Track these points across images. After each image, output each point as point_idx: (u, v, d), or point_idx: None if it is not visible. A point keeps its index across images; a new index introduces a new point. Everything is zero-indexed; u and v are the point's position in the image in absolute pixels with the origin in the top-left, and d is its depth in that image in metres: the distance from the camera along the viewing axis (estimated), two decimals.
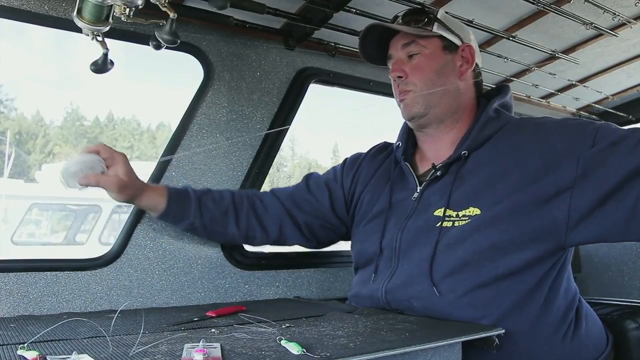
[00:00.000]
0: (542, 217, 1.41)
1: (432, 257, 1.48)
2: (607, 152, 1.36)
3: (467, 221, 1.47)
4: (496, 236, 1.43)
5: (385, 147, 1.93)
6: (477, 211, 1.47)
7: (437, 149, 1.69)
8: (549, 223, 1.41)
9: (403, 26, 1.65)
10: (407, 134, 1.78)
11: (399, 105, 1.69)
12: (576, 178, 1.37)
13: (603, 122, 1.48)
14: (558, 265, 1.48)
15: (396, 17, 1.71)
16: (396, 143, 1.80)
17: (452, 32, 1.66)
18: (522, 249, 1.43)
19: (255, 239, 1.90)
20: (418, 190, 1.64)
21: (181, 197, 1.77)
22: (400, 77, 1.64)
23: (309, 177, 1.98)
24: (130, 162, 1.67)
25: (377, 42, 1.72)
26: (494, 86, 1.86)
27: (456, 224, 1.49)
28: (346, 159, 1.99)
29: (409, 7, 1.75)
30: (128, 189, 1.64)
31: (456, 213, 1.50)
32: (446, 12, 1.70)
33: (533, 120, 1.60)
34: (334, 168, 1.99)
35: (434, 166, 1.63)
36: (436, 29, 1.64)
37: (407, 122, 1.73)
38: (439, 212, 1.53)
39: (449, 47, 1.66)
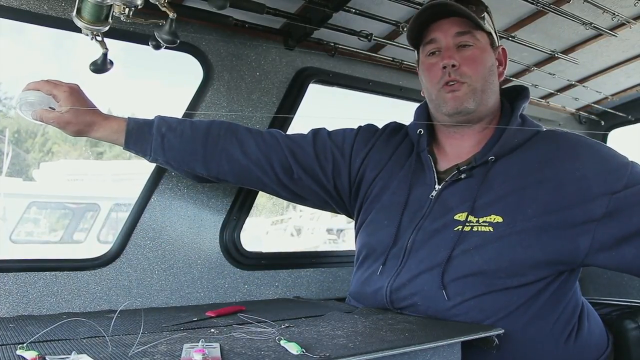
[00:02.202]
0: (566, 241, 1.42)
1: (447, 260, 1.46)
2: (636, 198, 1.40)
3: (488, 228, 1.45)
4: (519, 251, 1.42)
5: (399, 128, 1.83)
6: (499, 219, 1.45)
7: (460, 146, 1.64)
8: (571, 248, 1.43)
9: (468, 10, 1.54)
10: (428, 121, 1.71)
11: (443, 96, 1.58)
12: (604, 214, 1.40)
13: (634, 162, 1.48)
14: (565, 274, 1.49)
15: None
16: (417, 130, 1.70)
17: (495, 31, 1.64)
18: (540, 268, 1.43)
19: (227, 181, 1.80)
20: (436, 189, 1.59)
21: (141, 134, 1.67)
22: (454, 65, 1.54)
23: (316, 134, 1.83)
24: (83, 94, 1.62)
25: (418, 26, 1.62)
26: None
27: (475, 229, 1.47)
28: (360, 128, 1.85)
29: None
30: (72, 125, 1.58)
31: (477, 219, 1.48)
32: None
33: (567, 138, 1.56)
34: (343, 134, 1.83)
35: (457, 167, 1.59)
36: (486, 24, 1.59)
37: (445, 115, 1.60)
38: (460, 217, 1.50)
39: (494, 45, 1.63)
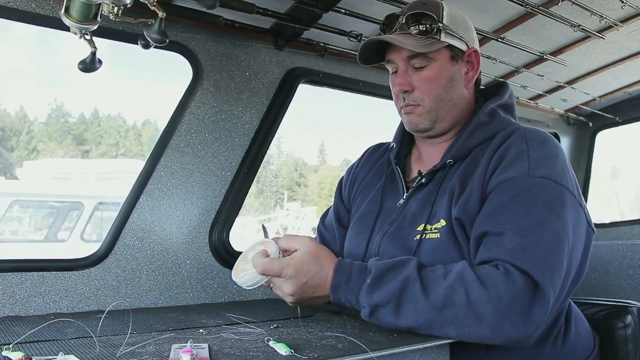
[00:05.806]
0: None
1: None
2: (493, 203, 1.37)
3: (436, 234, 1.45)
4: (455, 255, 1.40)
5: (379, 146, 1.88)
6: (443, 223, 1.44)
7: (434, 152, 1.63)
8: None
9: (410, 40, 1.50)
10: (403, 135, 1.73)
11: (402, 116, 1.62)
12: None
13: (548, 180, 1.36)
14: None
15: (395, 17, 1.57)
16: (391, 144, 1.75)
17: (459, 37, 1.55)
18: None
19: None
20: (404, 197, 1.60)
21: None
22: (407, 91, 1.55)
23: (323, 218, 1.93)
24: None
25: (375, 44, 1.60)
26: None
27: (427, 236, 1.46)
28: (342, 177, 1.92)
29: (416, 12, 1.53)
30: None
31: (431, 226, 1.47)
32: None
33: (519, 144, 1.44)
34: (336, 193, 1.92)
35: (419, 173, 1.59)
36: (444, 37, 1.51)
37: (409, 131, 1.65)
38: (420, 227, 1.49)
39: (456, 55, 1.56)
